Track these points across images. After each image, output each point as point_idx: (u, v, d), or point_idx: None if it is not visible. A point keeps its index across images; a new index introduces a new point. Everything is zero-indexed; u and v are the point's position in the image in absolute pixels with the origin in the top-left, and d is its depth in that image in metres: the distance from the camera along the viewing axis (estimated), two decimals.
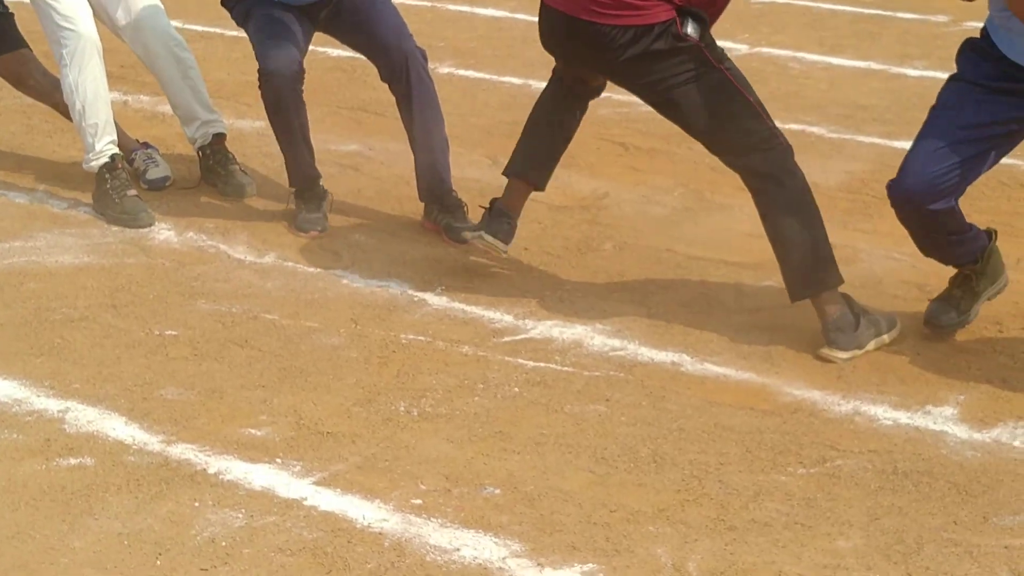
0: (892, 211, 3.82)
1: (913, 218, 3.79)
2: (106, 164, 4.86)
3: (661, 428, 3.54)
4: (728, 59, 3.92)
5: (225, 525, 3.13)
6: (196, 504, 3.21)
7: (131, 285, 4.35)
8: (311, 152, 4.79)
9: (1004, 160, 3.87)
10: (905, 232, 3.89)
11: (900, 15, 7.64)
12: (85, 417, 3.59)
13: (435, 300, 4.26)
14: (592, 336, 4.02)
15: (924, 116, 3.79)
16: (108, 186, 4.84)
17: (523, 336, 4.04)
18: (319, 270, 4.47)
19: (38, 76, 5.23)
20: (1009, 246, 4.31)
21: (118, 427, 3.54)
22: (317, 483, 3.30)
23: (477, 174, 5.19)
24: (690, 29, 3.82)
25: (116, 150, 4.90)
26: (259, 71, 4.61)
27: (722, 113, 3.88)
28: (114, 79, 5.73)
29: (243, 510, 3.19)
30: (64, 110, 5.06)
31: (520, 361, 3.89)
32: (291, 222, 4.78)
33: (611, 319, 4.12)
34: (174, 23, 5.17)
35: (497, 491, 3.26)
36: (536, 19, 4.07)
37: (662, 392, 3.72)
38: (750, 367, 3.85)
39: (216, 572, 2.97)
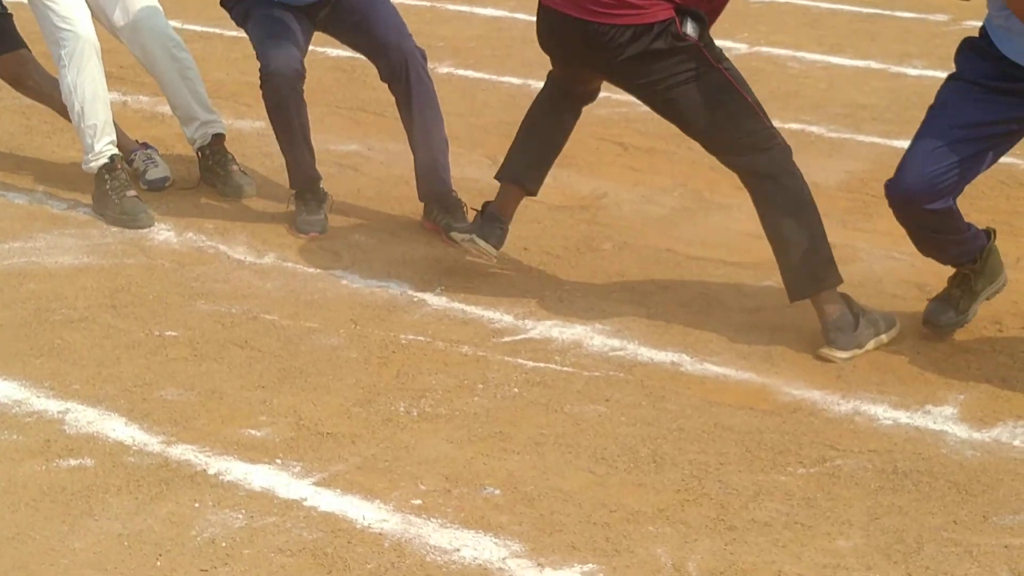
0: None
1: (911, 218, 3.79)
2: (105, 165, 4.85)
3: (661, 428, 3.54)
4: (727, 59, 3.92)
5: (225, 526, 3.13)
6: (196, 505, 3.21)
7: (131, 286, 4.35)
8: (312, 153, 4.79)
9: (1003, 159, 3.86)
10: (904, 232, 3.89)
11: (899, 14, 7.63)
12: (85, 418, 3.59)
13: (435, 300, 4.26)
14: (592, 336, 4.02)
15: (923, 115, 3.79)
16: (107, 187, 4.84)
17: (523, 336, 4.04)
18: (319, 270, 4.47)
19: (37, 77, 5.22)
20: (1008, 245, 4.31)
21: (118, 428, 3.54)
22: (317, 484, 3.30)
23: (477, 174, 5.18)
24: (689, 28, 3.81)
25: (115, 151, 4.90)
26: (261, 71, 4.60)
27: (720, 113, 3.88)
28: (113, 80, 5.73)
29: (243, 511, 3.19)
30: (63, 111, 5.05)
31: (520, 361, 3.89)
32: (291, 223, 4.78)
33: (611, 319, 4.12)
34: (173, 23, 5.18)
35: (497, 491, 3.26)
36: (535, 19, 4.07)
37: (662, 392, 3.71)
38: (750, 367, 3.85)
39: (216, 573, 2.97)
